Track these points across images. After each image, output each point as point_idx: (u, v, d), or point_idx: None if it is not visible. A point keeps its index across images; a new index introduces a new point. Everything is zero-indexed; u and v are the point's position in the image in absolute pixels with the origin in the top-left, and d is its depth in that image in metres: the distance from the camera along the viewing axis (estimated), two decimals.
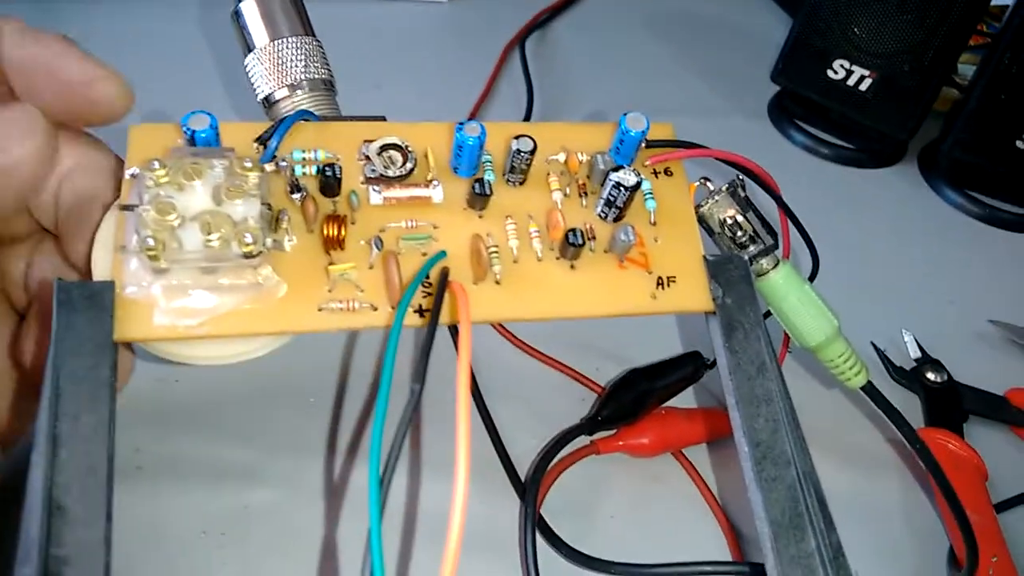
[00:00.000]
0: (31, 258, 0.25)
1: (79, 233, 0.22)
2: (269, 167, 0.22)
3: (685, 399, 0.35)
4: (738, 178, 0.26)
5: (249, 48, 0.27)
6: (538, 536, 0.30)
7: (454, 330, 0.35)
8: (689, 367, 0.34)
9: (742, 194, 0.26)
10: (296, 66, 0.26)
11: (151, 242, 0.19)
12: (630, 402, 0.33)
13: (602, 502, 0.32)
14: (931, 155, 0.53)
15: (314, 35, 0.28)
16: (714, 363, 0.35)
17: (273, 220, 0.22)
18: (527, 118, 0.51)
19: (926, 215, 0.51)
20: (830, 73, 0.50)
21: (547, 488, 0.31)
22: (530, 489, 0.30)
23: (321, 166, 0.22)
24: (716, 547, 0.31)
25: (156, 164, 0.20)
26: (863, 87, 0.50)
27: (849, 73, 0.50)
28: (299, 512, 0.30)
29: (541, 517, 0.30)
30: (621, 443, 0.33)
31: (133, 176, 0.21)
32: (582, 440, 0.33)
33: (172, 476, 0.30)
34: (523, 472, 0.32)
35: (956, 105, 0.52)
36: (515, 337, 0.37)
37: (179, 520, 0.29)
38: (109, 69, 0.23)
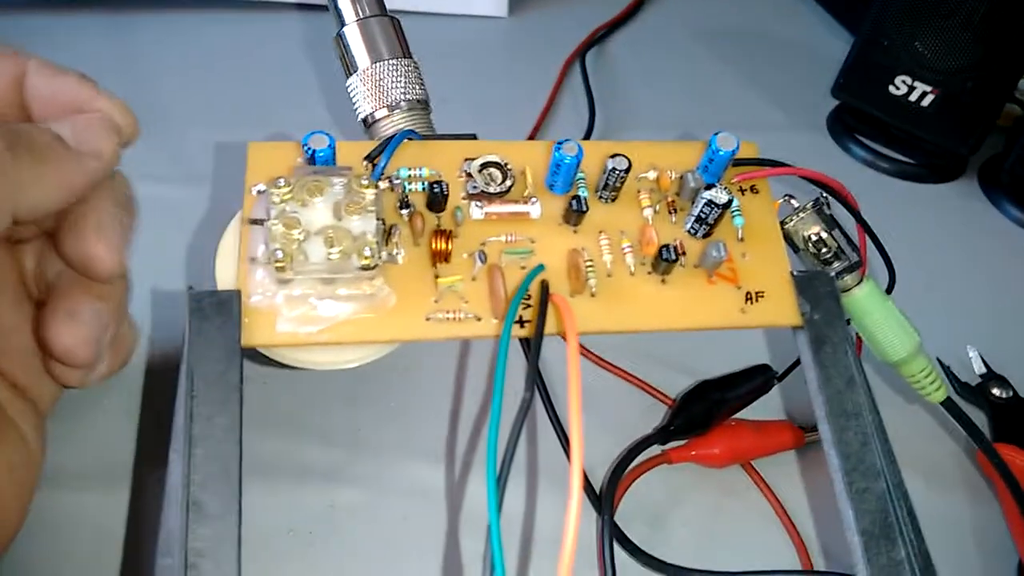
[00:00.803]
0: (40, 255, 0.27)
1: (72, 231, 0.24)
2: (382, 184, 0.23)
3: (752, 412, 0.36)
4: (822, 196, 0.27)
5: (351, 70, 0.28)
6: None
7: (526, 343, 0.36)
8: (759, 379, 0.35)
9: (827, 212, 0.27)
10: (396, 87, 0.28)
11: (280, 254, 0.21)
12: (701, 413, 0.34)
13: (674, 511, 0.33)
14: (992, 170, 0.53)
15: (411, 56, 0.29)
16: (783, 376, 0.35)
17: (385, 234, 0.23)
18: (589, 132, 0.52)
19: (987, 230, 0.51)
20: (892, 89, 0.50)
21: (620, 496, 0.32)
22: (606, 498, 0.31)
23: (429, 183, 0.24)
24: (789, 558, 0.32)
25: (282, 182, 0.22)
26: (925, 103, 0.50)
27: (911, 89, 0.50)
28: (386, 512, 0.31)
29: (615, 524, 0.31)
30: (693, 453, 0.34)
31: (259, 192, 0.23)
32: (653, 449, 0.34)
33: (261, 474, 0.31)
34: (595, 479, 0.33)
35: (1018, 121, 0.52)
36: (586, 350, 0.38)
37: (268, 518, 0.30)
38: (119, 101, 0.25)
